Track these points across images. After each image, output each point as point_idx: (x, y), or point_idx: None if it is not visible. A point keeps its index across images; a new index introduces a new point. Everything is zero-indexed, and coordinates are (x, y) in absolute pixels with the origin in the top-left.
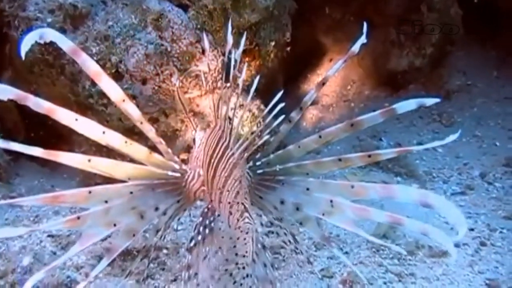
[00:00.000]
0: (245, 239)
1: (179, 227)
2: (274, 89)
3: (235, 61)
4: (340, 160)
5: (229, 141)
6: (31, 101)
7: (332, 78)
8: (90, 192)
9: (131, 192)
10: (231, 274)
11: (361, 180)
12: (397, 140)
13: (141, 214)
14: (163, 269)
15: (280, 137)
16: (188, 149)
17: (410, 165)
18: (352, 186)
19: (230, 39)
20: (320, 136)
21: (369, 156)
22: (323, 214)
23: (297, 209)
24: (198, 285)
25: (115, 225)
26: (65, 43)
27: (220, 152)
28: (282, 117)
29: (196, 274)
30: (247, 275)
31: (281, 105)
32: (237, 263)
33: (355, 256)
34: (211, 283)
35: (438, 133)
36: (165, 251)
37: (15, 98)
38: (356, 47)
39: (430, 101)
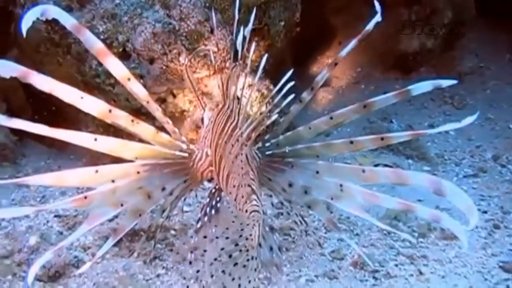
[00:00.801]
0: (251, 222)
1: (187, 208)
2: (283, 70)
3: (244, 38)
4: (351, 142)
5: (237, 121)
6: (34, 78)
7: (341, 60)
8: (96, 171)
9: (138, 172)
10: (230, 256)
11: (372, 162)
12: (408, 122)
13: (148, 194)
14: (171, 250)
15: (290, 117)
16: (196, 129)
17: (422, 148)
18: (363, 171)
19: (237, 16)
20: (331, 118)
21: (382, 139)
22: (331, 198)
23: (306, 192)
24: (204, 266)
25: (122, 205)
26: (68, 20)
27: (229, 132)
28: (291, 97)
29: (202, 255)
30: (252, 258)
31: (291, 84)
32: (238, 245)
33: (365, 239)
34: (216, 265)
35: (450, 115)
36: (173, 232)
37: (18, 75)
38: (370, 26)
39: (446, 83)
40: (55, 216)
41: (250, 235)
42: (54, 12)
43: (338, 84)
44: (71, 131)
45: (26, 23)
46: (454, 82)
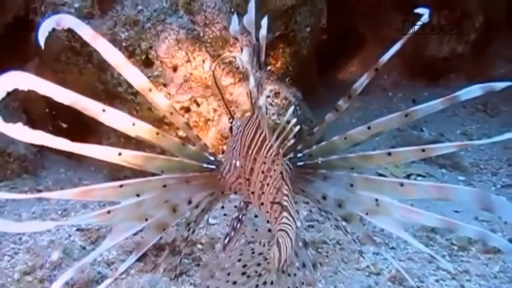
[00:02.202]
0: (275, 243)
1: (213, 221)
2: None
3: (259, 44)
4: (389, 154)
5: (266, 131)
6: (53, 91)
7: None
8: (121, 186)
9: (165, 186)
10: (248, 276)
11: (404, 172)
12: (440, 130)
13: (174, 208)
14: (198, 265)
15: (325, 127)
16: (221, 139)
17: (455, 157)
18: (402, 184)
19: (252, 20)
20: (369, 127)
21: (423, 150)
22: (366, 213)
23: (339, 205)
24: (235, 283)
25: (146, 219)
26: (83, 30)
27: (258, 143)
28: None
29: (229, 274)
30: (267, 283)
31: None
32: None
33: (402, 252)
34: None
35: (483, 123)
36: (199, 246)
37: (36, 89)
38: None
39: (500, 85)
40: (77, 229)
41: (271, 258)
42: (69, 21)
43: (365, 92)
44: (95, 145)
45: (42, 35)
46: (508, 84)
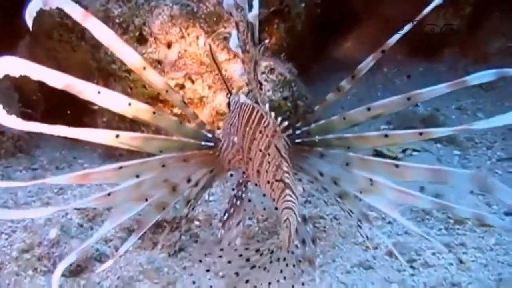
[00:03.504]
0: (283, 222)
1: (211, 198)
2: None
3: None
4: (386, 136)
5: (263, 108)
6: (47, 75)
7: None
8: (120, 167)
9: (163, 165)
10: (261, 254)
11: (399, 146)
12: (435, 105)
13: (173, 187)
14: (196, 242)
15: (326, 106)
16: (216, 116)
17: None
18: (396, 166)
19: None
20: (368, 109)
21: (421, 133)
22: (360, 192)
23: (335, 183)
24: (230, 262)
25: (146, 199)
26: (72, 8)
27: (256, 120)
28: None
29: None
30: (281, 259)
31: None
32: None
33: (398, 226)
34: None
35: (477, 98)
36: (197, 222)
37: (28, 74)
38: (428, 9)
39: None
40: (74, 208)
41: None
42: (57, 1)
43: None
44: (91, 129)
45: (29, 16)
46: None
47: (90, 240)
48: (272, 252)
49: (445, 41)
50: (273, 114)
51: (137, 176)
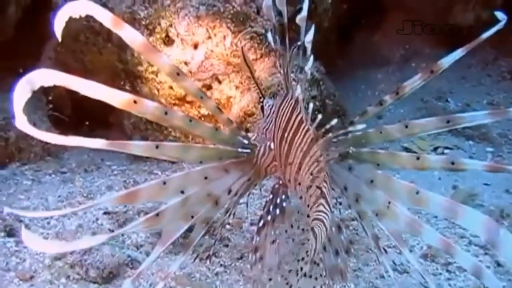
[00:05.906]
0: (310, 234)
1: (241, 201)
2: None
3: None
4: (418, 158)
5: (303, 113)
6: (80, 85)
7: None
8: (164, 183)
9: (206, 177)
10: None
11: (431, 144)
12: (465, 101)
13: (216, 201)
14: (227, 246)
15: (366, 117)
16: (244, 117)
17: (483, 127)
18: (417, 192)
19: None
20: (406, 126)
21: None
22: (376, 215)
23: (357, 200)
24: (263, 272)
25: (192, 216)
26: (103, 15)
27: (295, 126)
28: None
29: (261, 258)
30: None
31: None
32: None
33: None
34: (277, 273)
35: (510, 92)
36: (227, 226)
37: (62, 84)
38: (487, 35)
39: None
40: (104, 213)
41: (309, 250)
42: (86, 7)
43: (386, 62)
44: (131, 142)
45: (58, 25)
46: None
47: (144, 265)
48: (301, 269)
49: (476, 35)
50: (319, 116)
51: (182, 192)
